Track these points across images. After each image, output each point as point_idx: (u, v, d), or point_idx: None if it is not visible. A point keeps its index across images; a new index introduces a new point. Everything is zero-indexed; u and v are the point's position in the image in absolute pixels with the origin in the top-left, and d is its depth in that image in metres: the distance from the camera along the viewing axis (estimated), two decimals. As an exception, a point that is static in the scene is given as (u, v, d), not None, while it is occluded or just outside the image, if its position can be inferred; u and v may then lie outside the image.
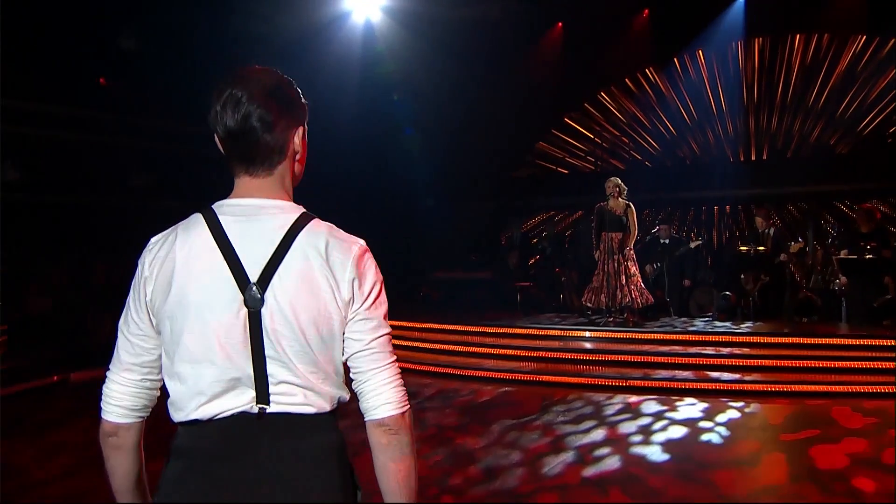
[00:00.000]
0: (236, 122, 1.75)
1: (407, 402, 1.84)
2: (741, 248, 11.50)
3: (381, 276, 1.86)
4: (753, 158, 17.19)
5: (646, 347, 9.46)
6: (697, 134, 17.64)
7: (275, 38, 14.99)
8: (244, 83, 1.77)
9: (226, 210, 1.80)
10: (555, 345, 9.97)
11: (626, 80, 18.22)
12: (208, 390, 1.72)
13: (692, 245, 12.24)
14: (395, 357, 1.87)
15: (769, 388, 8.21)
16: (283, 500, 1.70)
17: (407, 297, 13.96)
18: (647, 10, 17.50)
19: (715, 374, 8.61)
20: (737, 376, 8.51)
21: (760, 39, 16.85)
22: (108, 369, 1.87)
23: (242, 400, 1.73)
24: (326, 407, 1.77)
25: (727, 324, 10.34)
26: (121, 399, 1.84)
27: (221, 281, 1.73)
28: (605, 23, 17.36)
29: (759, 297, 11.13)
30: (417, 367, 9.55)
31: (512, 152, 18.70)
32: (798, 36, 16.66)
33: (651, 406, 7.87)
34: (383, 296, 1.86)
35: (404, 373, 1.91)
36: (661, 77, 17.82)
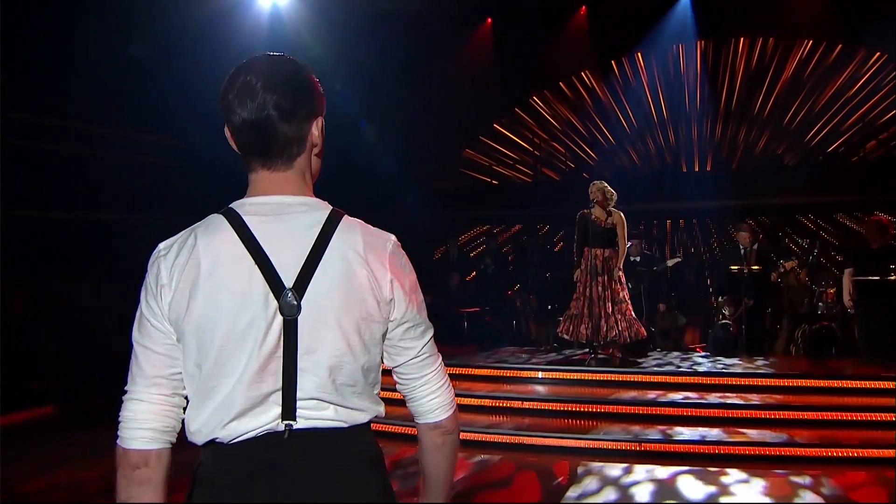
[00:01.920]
0: (251, 111, 1.58)
1: (455, 399, 1.78)
2: (732, 267, 9.44)
3: (414, 272, 1.70)
4: (697, 169, 15.48)
5: (652, 395, 7.22)
6: (637, 143, 15.82)
7: (160, 20, 12.28)
8: (259, 70, 1.60)
9: (249, 209, 1.61)
10: (530, 391, 7.62)
11: (561, 83, 16.29)
12: (233, 407, 1.53)
13: (669, 263, 10.16)
14: (440, 356, 1.77)
15: (831, 453, 6.08)
16: None
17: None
18: (584, 7, 15.61)
19: (754, 434, 6.43)
20: (783, 437, 6.34)
21: (703, 42, 15.18)
22: (126, 391, 1.62)
23: (268, 417, 1.54)
24: (361, 420, 1.61)
25: (735, 360, 8.22)
26: (150, 420, 1.58)
27: (254, 289, 1.54)
28: (539, 20, 15.40)
29: (738, 324, 9.12)
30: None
31: (435, 161, 16.44)
32: (743, 39, 15.13)
33: (691, 485, 5.60)
34: (421, 294, 1.72)
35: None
36: (599, 81, 15.97)
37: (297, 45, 14.22)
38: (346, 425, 1.59)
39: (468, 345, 9.82)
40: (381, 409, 1.68)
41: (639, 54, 15.59)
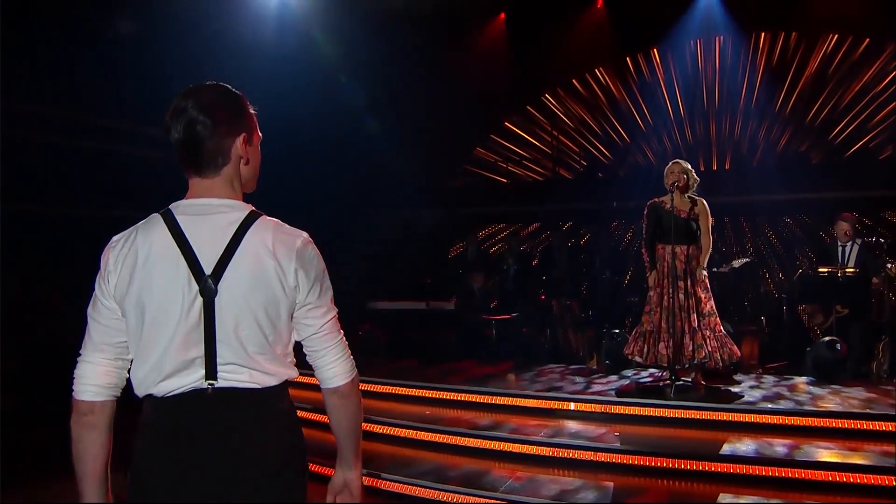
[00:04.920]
0: (180, 130, 1.72)
1: (355, 369, 1.85)
2: (821, 270, 6.75)
3: (324, 264, 1.81)
4: (715, 168, 12.82)
5: (780, 445, 4.50)
6: (653, 140, 13.15)
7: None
8: (189, 95, 1.73)
9: (181, 210, 1.75)
10: (605, 437, 4.89)
11: (574, 81, 13.64)
12: (165, 369, 1.67)
13: (736, 264, 7.46)
14: (342, 333, 1.85)
15: None
16: (236, 466, 1.65)
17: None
18: (600, 1, 13.02)
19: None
20: None
21: (722, 38, 12.58)
22: (80, 354, 1.78)
23: (194, 377, 1.67)
24: (272, 383, 1.72)
25: (860, 389, 5.52)
26: (95, 378, 1.74)
27: (179, 274, 1.67)
28: (554, 14, 12.82)
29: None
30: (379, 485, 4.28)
31: (447, 159, 13.82)
32: (764, 35, 12.48)
33: None
34: (328, 282, 1.82)
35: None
36: (614, 78, 13.34)
37: (303, 38, 11.67)
38: (259, 387, 1.69)
39: (501, 362, 7.07)
40: (292, 373, 1.77)
41: (654, 50, 13.00)
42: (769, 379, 6.07)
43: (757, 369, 6.88)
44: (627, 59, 13.30)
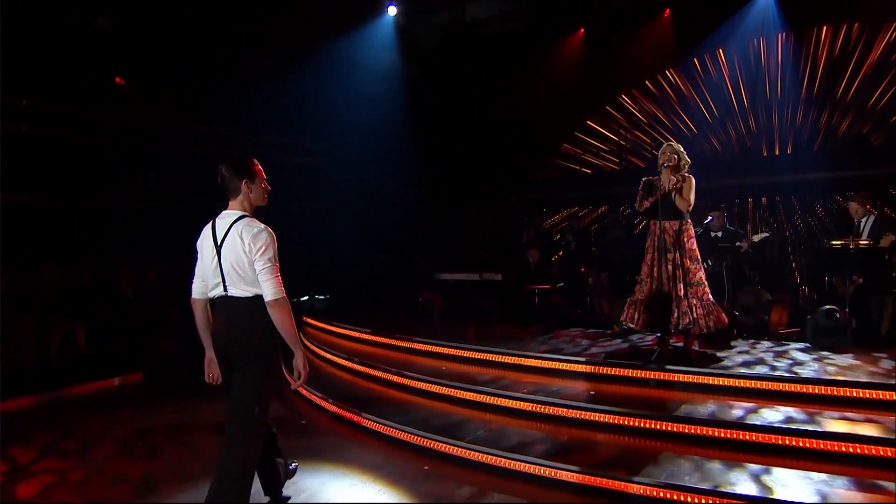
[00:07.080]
0: (218, 178, 3.13)
1: (280, 294, 3.00)
2: (834, 242, 5.60)
3: (270, 241, 3.04)
4: (777, 153, 11.15)
5: (738, 409, 3.86)
6: (718, 130, 11.68)
7: (295, 36, 9.87)
8: (224, 162, 3.12)
9: (220, 215, 3.15)
10: (578, 393, 4.31)
11: (647, 82, 12.41)
12: (209, 286, 3.11)
13: (756, 238, 6.40)
14: (277, 276, 3.02)
15: None
16: (238, 331, 3.03)
17: (400, 306, 8.22)
18: (668, 10, 11.66)
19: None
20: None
21: (784, 34, 10.81)
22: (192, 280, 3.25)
23: (220, 290, 3.08)
24: (250, 294, 3.04)
25: (849, 357, 4.50)
26: (196, 287, 3.17)
27: (210, 244, 3.08)
28: (627, 26, 11.72)
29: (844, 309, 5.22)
30: (399, 435, 4.05)
31: (534, 155, 13.13)
32: (826, 28, 10.59)
33: None
34: (269, 249, 3.02)
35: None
36: (682, 77, 11.96)
37: (415, 56, 11.50)
38: (244, 296, 3.04)
39: (531, 327, 6.55)
40: (258, 290, 3.04)
41: (720, 50, 11.49)
42: (764, 345, 5.23)
43: (775, 335, 5.86)
44: (695, 60, 11.90)
